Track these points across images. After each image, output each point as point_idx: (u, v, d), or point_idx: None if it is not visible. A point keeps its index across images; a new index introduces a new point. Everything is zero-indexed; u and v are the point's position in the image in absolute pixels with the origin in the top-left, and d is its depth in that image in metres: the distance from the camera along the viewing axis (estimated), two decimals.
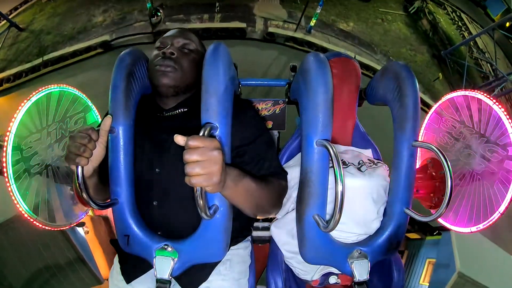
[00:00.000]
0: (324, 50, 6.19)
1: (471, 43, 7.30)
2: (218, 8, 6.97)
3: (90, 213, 1.94)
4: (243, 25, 6.67)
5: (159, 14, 6.67)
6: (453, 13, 9.20)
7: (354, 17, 7.72)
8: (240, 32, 6.49)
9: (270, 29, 6.68)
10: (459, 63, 7.05)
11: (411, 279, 3.25)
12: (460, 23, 8.89)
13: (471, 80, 7.06)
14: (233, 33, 6.43)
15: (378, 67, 5.84)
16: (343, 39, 6.90)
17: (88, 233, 1.81)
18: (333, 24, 7.25)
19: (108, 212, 2.18)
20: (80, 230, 1.74)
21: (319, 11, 6.11)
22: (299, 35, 6.58)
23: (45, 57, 6.09)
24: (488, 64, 7.26)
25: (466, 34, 8.43)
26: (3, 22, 7.05)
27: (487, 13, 9.89)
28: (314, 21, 6.29)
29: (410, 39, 7.85)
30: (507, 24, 7.71)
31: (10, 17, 7.06)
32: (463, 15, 9.33)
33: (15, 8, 7.77)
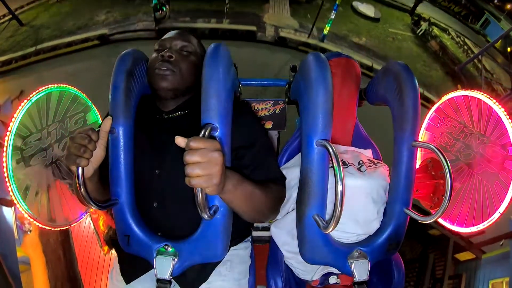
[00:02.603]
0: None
1: (479, 66, 7.44)
2: (227, 8, 6.71)
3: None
4: (253, 28, 6.35)
5: (164, 9, 6.34)
6: (458, 38, 9.54)
7: (365, 34, 7.88)
8: (250, 35, 6.19)
9: (282, 34, 6.37)
10: (472, 80, 7.16)
11: None
12: (465, 47, 9.16)
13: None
14: (242, 36, 6.13)
15: None
16: (357, 50, 6.77)
17: (29, 232, 1.31)
18: (345, 37, 7.21)
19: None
20: (8, 214, 1.16)
21: (333, 17, 5.96)
22: (312, 41, 6.35)
23: (39, 46, 5.78)
24: (498, 84, 7.43)
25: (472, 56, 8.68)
26: (6, 18, 7.04)
27: (488, 41, 10.36)
28: (328, 28, 6.12)
29: (423, 56, 8.01)
30: (509, 49, 7.94)
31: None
32: (466, 40, 9.72)
33: (21, 7, 7.82)
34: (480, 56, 7.33)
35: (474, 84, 7.15)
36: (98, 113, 1.48)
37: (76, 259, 2.01)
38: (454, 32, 9.89)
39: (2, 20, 7.16)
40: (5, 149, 1.05)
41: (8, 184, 1.06)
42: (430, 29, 8.92)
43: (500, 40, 8.27)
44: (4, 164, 1.05)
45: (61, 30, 6.80)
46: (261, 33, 6.46)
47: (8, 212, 1.22)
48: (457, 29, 10.44)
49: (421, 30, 8.87)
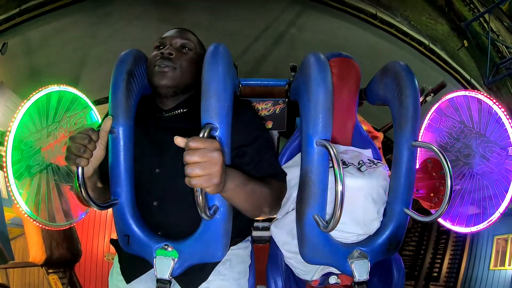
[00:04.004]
0: (342, 2, 5.79)
1: (486, 26, 7.34)
2: None
3: None
4: None
5: None
6: None
7: None
8: None
9: None
10: (478, 39, 7.01)
11: (476, 264, 2.60)
12: (472, 5, 8.92)
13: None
14: None
15: (402, 27, 5.59)
16: None
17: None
18: None
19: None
20: None
21: None
22: None
23: (23, 6, 5.62)
24: (504, 46, 7.34)
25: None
26: None
27: (494, 1, 10.22)
28: None
29: (428, 9, 7.72)
30: None
31: None
32: None
33: None
34: (488, 16, 7.23)
35: (481, 42, 7.01)
36: (97, 114, 1.48)
37: None
38: None
39: None
40: (5, 149, 1.06)
41: (8, 184, 1.07)
42: None
43: (508, 3, 8.12)
44: (4, 164, 1.05)
45: None
46: None
47: None
48: None
49: None
